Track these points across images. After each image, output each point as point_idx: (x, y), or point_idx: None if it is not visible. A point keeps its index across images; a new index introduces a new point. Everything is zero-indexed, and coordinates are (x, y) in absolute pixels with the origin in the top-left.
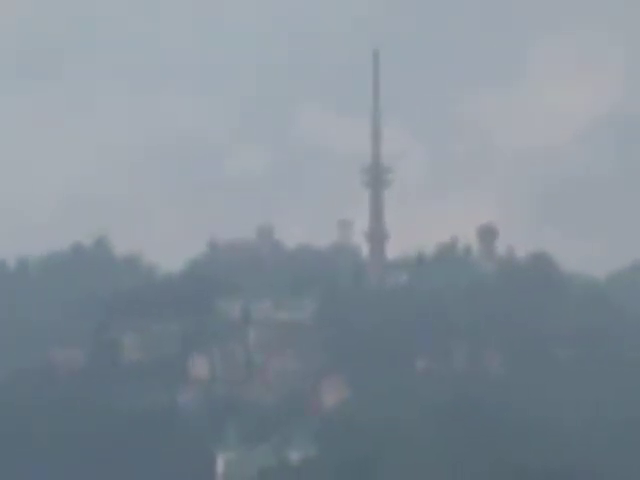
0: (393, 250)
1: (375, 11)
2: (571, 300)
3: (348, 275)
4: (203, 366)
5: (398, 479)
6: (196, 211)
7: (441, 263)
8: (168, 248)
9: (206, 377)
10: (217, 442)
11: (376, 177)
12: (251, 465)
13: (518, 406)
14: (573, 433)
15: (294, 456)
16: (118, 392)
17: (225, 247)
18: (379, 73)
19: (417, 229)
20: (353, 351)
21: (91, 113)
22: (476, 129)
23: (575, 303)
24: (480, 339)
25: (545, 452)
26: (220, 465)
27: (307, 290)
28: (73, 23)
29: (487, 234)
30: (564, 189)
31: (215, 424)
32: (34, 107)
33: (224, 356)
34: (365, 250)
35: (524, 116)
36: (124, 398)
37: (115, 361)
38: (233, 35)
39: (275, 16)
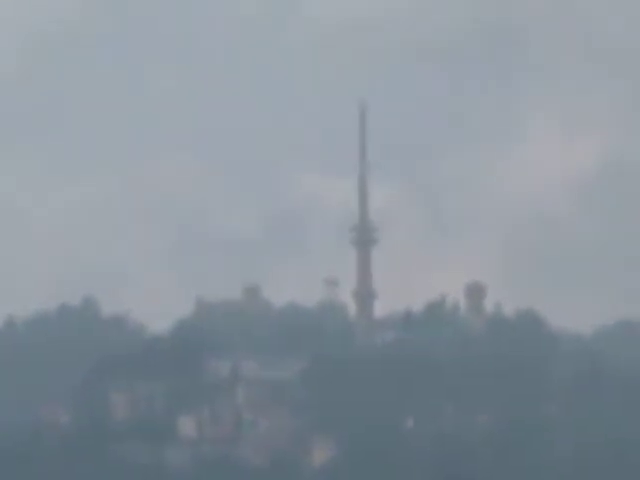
0: (381, 308)
1: (362, 64)
2: (559, 357)
3: (336, 333)
4: (191, 426)
5: None
6: (183, 271)
7: (429, 321)
8: (155, 308)
9: (194, 437)
10: None
11: (363, 235)
12: None
13: (509, 464)
14: None
15: None
16: (106, 452)
17: (212, 306)
18: (366, 129)
19: (405, 287)
20: (341, 410)
21: (75, 168)
22: (465, 187)
23: (563, 361)
24: (469, 398)
25: None
26: None
27: (295, 349)
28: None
29: (475, 291)
30: (551, 246)
31: None
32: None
33: (213, 415)
34: (353, 309)
35: (512, 173)
36: (111, 457)
37: (102, 420)
38: (217, 95)
39: (260, 74)
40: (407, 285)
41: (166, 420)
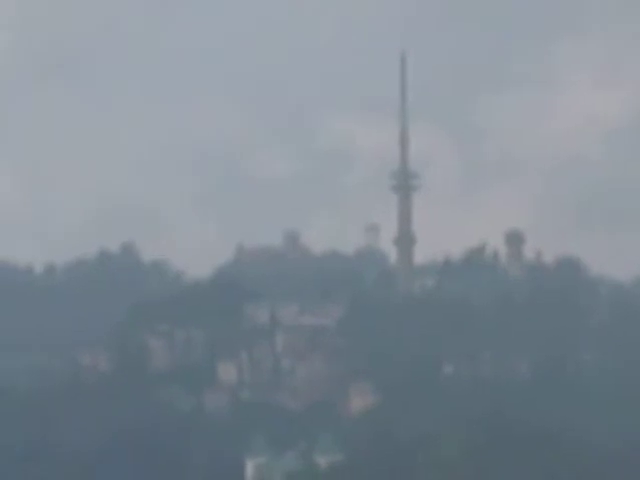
0: (421, 255)
1: (401, 14)
2: (598, 304)
3: (375, 280)
4: (231, 371)
5: None
6: (223, 217)
7: (469, 268)
8: (195, 254)
9: (234, 382)
10: (245, 448)
11: (404, 182)
12: (279, 470)
13: (545, 411)
14: (601, 440)
15: (322, 461)
16: (145, 397)
17: (252, 253)
18: (406, 77)
19: (445, 234)
20: (380, 356)
21: (115, 119)
22: (503, 133)
23: (601, 307)
24: (508, 344)
25: (572, 459)
26: (249, 470)
27: (334, 295)
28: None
29: (515, 239)
30: (591, 193)
31: (243, 430)
32: (57, 111)
33: (251, 361)
34: (393, 255)
35: (551, 119)
36: (151, 403)
37: (142, 366)
38: (256, 39)
39: (301, 17)
40: (447, 232)
41: (205, 366)
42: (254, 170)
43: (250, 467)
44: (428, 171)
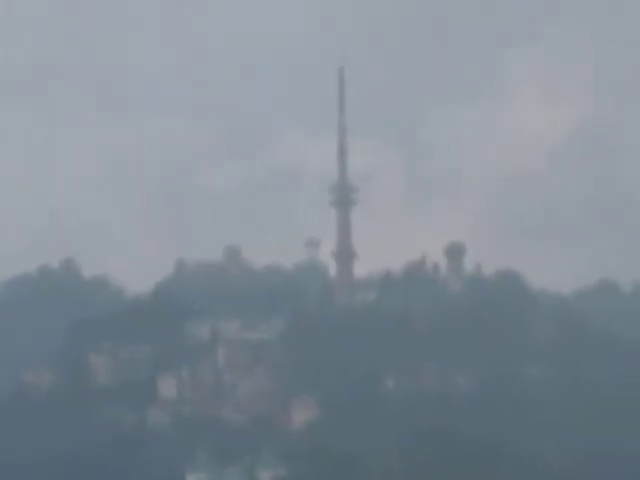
0: (361, 269)
1: (339, 27)
2: (539, 317)
3: (316, 294)
4: (172, 387)
5: None
6: (163, 232)
7: (409, 281)
8: (136, 270)
9: (176, 398)
10: (187, 463)
11: (343, 196)
12: None
13: (488, 425)
14: (545, 455)
15: (264, 476)
16: (88, 413)
17: (193, 268)
18: (344, 91)
19: (385, 248)
20: (322, 370)
21: (61, 133)
22: (444, 147)
23: (543, 320)
24: (450, 358)
25: (516, 474)
26: None
27: (276, 310)
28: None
29: (455, 252)
30: (532, 207)
31: (185, 445)
32: (2, 126)
33: (193, 377)
34: (333, 269)
35: (493, 134)
36: (94, 419)
37: (85, 383)
38: (201, 53)
39: (242, 31)
40: (387, 245)
41: (147, 381)
42: (195, 186)
43: None
44: (368, 185)
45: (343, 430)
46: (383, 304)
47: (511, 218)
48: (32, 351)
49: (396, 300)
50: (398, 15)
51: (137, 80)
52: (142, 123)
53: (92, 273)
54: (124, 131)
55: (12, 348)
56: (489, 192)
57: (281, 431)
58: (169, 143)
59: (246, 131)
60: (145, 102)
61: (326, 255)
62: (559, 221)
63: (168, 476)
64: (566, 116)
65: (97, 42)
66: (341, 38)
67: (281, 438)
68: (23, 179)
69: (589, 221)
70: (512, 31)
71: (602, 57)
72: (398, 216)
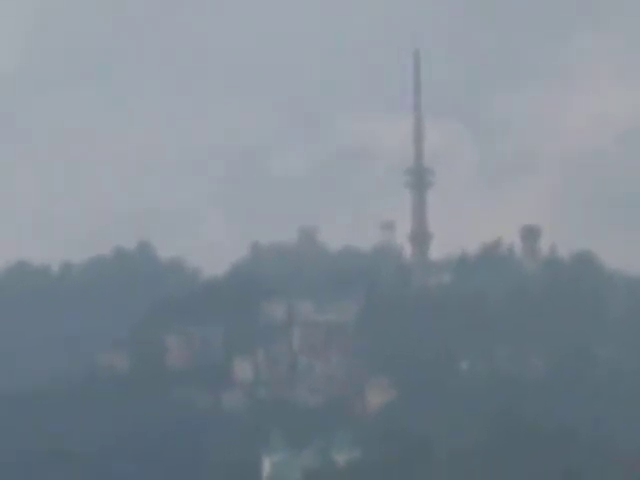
0: (436, 251)
1: (414, 11)
2: (615, 298)
3: (391, 276)
4: (247, 369)
5: None
6: (239, 214)
7: (484, 263)
8: (211, 252)
9: (250, 380)
10: (262, 445)
11: (419, 178)
12: (297, 467)
13: (562, 408)
14: (619, 436)
15: (339, 458)
16: (162, 396)
17: (268, 250)
18: (420, 74)
19: (460, 230)
20: (397, 352)
21: (132, 119)
22: (520, 128)
23: (619, 301)
24: (524, 339)
25: (589, 455)
26: (266, 467)
27: (350, 292)
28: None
29: (530, 234)
30: (607, 188)
31: (260, 427)
32: (76, 113)
33: (268, 358)
34: (408, 251)
35: (569, 115)
36: (168, 402)
37: (159, 365)
38: (273, 39)
39: (315, 16)
40: (462, 227)
41: (222, 363)
42: (270, 169)
43: (267, 464)
44: (443, 167)
45: (417, 413)
46: (458, 286)
47: (585, 199)
48: (107, 333)
49: (471, 282)
50: None
51: (214, 65)
52: (218, 107)
53: (168, 256)
54: (200, 116)
55: (88, 330)
56: (563, 173)
57: (355, 413)
58: (245, 127)
59: (322, 114)
60: (221, 87)
61: (401, 237)
62: (633, 202)
63: (244, 458)
64: (638, 97)
65: (172, 26)
66: (415, 21)
67: (355, 420)
68: (101, 162)
69: None
70: (585, 14)
71: None
72: (473, 198)
